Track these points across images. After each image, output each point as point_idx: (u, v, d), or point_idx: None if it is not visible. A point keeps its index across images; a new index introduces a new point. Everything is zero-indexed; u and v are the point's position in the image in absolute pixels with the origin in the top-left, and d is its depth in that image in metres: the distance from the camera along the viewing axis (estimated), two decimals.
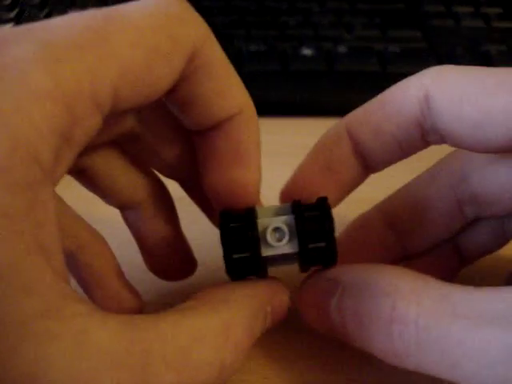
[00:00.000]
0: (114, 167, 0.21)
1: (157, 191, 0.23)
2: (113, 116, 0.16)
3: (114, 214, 0.23)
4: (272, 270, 0.21)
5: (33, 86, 0.14)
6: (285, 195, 0.22)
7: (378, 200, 0.25)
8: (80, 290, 0.22)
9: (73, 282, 0.21)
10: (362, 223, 0.24)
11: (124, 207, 0.23)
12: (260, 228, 0.19)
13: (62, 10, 0.46)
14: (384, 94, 0.21)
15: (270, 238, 0.19)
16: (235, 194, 0.20)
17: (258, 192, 0.20)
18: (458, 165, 0.23)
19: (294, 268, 0.21)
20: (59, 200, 0.20)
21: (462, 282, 0.18)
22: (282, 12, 0.46)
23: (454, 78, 0.20)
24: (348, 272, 0.20)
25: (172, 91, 0.18)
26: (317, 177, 0.22)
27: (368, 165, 0.22)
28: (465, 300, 0.17)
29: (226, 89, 0.18)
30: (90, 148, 0.20)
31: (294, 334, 0.23)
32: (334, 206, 0.22)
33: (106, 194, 0.22)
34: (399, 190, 0.24)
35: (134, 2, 0.16)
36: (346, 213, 0.24)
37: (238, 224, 0.19)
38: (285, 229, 0.19)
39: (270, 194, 0.22)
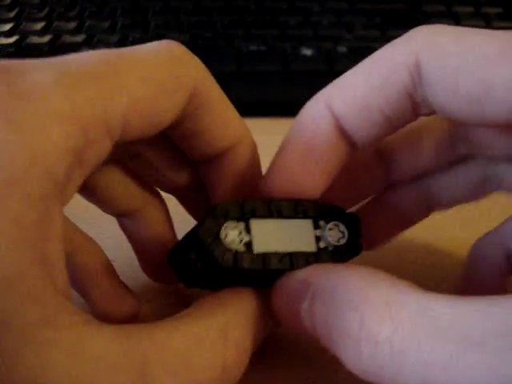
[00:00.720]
0: (112, 180, 0.22)
1: (152, 199, 0.23)
2: (121, 144, 0.17)
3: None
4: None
5: (52, 108, 0.15)
6: (265, 189, 0.20)
7: None
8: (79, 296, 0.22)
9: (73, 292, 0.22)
10: None
11: (120, 215, 0.23)
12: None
13: (62, 10, 0.46)
14: (366, 62, 0.19)
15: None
16: None
17: None
18: None
19: None
20: None
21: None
22: (281, 12, 0.46)
23: (449, 43, 0.17)
24: (319, 274, 0.18)
25: (176, 126, 0.19)
26: (298, 163, 0.19)
27: (354, 143, 0.20)
28: (447, 315, 0.15)
29: (225, 121, 0.20)
30: None
31: (294, 334, 0.23)
32: (321, 193, 0.20)
33: (103, 203, 0.22)
34: None
35: (142, 45, 0.18)
36: None
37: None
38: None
39: None
